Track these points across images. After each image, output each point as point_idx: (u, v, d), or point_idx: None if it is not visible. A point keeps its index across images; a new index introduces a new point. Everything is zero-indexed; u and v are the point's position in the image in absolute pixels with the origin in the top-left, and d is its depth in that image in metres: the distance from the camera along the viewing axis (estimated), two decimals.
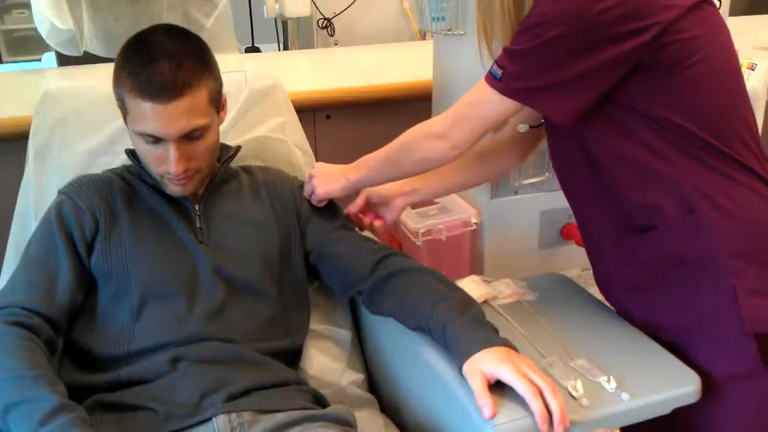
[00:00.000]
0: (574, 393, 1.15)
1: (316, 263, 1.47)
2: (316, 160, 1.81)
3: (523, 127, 1.43)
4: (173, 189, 1.35)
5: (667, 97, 1.15)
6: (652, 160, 1.17)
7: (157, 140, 1.27)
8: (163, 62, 1.24)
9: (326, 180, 1.46)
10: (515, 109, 1.23)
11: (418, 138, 1.34)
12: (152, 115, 1.24)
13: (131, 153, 1.40)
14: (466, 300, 1.28)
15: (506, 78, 1.18)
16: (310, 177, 1.49)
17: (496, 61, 1.20)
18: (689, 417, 1.27)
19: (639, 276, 1.27)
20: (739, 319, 1.15)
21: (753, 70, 1.95)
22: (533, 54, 1.15)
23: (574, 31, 1.11)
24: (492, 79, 1.20)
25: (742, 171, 1.18)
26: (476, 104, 1.25)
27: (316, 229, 1.47)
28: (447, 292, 1.30)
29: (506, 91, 1.19)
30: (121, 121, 1.59)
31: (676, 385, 1.18)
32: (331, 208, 1.51)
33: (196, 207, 1.40)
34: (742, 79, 1.23)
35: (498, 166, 1.54)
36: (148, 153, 1.30)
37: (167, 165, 1.29)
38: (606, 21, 1.10)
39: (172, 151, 1.28)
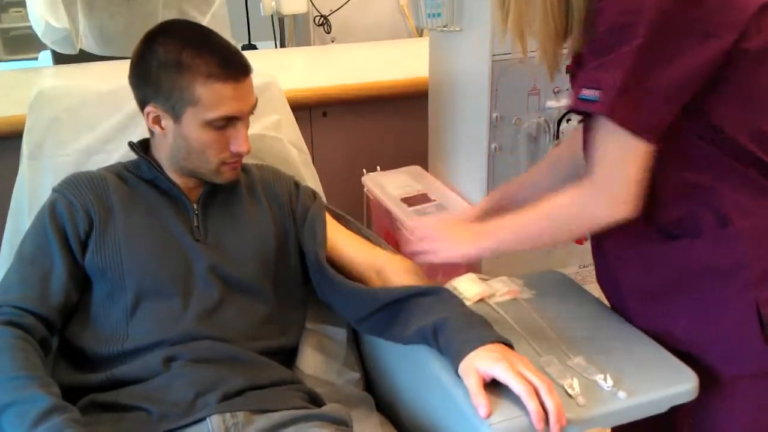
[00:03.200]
0: (570, 391, 1.14)
1: (312, 275, 1.44)
2: (313, 159, 1.80)
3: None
4: (229, 176, 1.38)
5: (726, 108, 1.10)
6: (693, 174, 1.14)
7: (227, 123, 1.31)
8: (225, 44, 1.32)
9: (452, 243, 1.31)
10: (651, 144, 1.10)
11: (576, 214, 1.18)
12: (232, 94, 1.29)
13: (137, 145, 1.41)
14: (459, 304, 1.27)
15: (606, 92, 1.05)
16: (429, 238, 1.34)
17: (582, 86, 1.08)
18: (692, 415, 1.27)
19: (657, 284, 1.24)
20: (761, 333, 1.14)
21: None
22: (631, 57, 1.03)
23: (673, 23, 1.02)
24: (594, 105, 1.07)
25: None
26: (620, 156, 1.10)
27: (309, 242, 1.44)
28: (441, 307, 1.26)
29: (609, 108, 1.06)
30: (115, 119, 1.60)
31: (674, 384, 1.18)
32: (323, 220, 1.47)
33: (195, 206, 1.39)
34: None
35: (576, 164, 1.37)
36: (213, 141, 1.32)
37: (236, 146, 1.33)
38: (706, 10, 1.02)
39: (243, 130, 1.34)
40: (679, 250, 1.19)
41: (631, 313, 1.31)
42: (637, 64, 1.04)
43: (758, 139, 1.13)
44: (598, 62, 1.07)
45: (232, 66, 1.30)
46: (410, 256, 1.38)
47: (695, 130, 1.12)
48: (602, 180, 1.13)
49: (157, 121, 1.33)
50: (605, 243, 1.32)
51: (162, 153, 1.38)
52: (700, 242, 1.17)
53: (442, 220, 1.37)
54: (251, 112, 1.36)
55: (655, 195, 1.18)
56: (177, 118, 1.31)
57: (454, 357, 1.15)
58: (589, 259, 1.55)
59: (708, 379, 1.21)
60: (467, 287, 1.42)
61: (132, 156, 1.43)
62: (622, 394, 1.14)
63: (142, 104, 1.35)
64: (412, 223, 1.36)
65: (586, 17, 1.13)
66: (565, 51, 1.20)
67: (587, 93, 1.07)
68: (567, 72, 1.22)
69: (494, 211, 1.43)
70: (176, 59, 1.28)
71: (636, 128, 1.08)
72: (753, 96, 1.12)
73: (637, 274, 1.27)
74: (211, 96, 1.28)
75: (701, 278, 1.18)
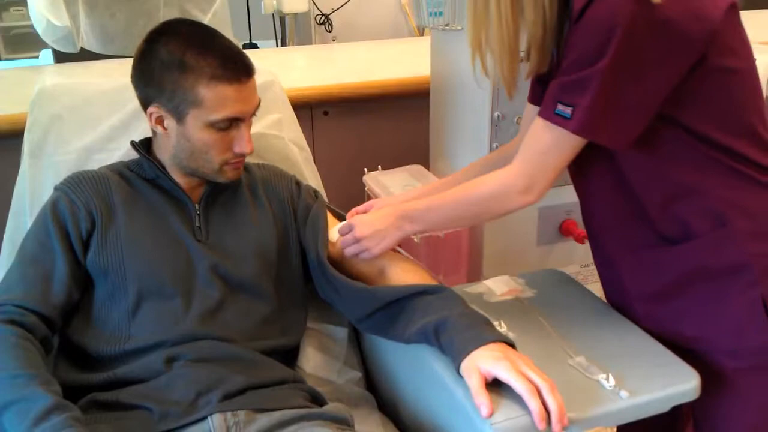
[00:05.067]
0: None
1: (314, 274, 1.44)
2: (314, 157, 1.80)
3: None
4: (231, 175, 1.38)
5: (703, 107, 1.13)
6: (683, 174, 1.16)
7: (230, 124, 1.31)
8: (228, 45, 1.32)
9: (378, 237, 1.36)
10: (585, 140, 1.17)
11: (497, 196, 1.26)
12: (235, 96, 1.29)
13: (139, 144, 1.41)
14: (461, 303, 1.27)
15: (579, 114, 1.11)
16: (358, 238, 1.38)
17: (559, 101, 1.13)
18: (696, 412, 1.28)
19: (662, 288, 1.25)
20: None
21: None
22: (603, 76, 1.07)
23: (642, 44, 1.05)
24: (563, 121, 1.13)
25: (766, 174, 1.17)
26: (552, 151, 1.18)
27: (310, 241, 1.45)
28: (440, 305, 1.26)
29: (580, 130, 1.12)
30: (116, 117, 1.60)
31: (676, 383, 1.18)
32: (324, 219, 1.47)
33: (197, 205, 1.39)
34: (758, 77, 1.20)
35: None
36: (216, 142, 1.32)
37: (240, 146, 1.34)
38: (677, 19, 1.05)
39: (246, 130, 1.34)
40: (680, 253, 1.20)
41: (639, 316, 1.31)
42: (606, 83, 1.07)
43: (742, 137, 1.15)
44: (575, 77, 1.10)
45: (236, 67, 1.30)
46: (350, 258, 1.41)
47: (672, 133, 1.14)
48: (530, 168, 1.20)
49: (159, 121, 1.33)
50: (607, 249, 1.32)
51: (164, 153, 1.38)
52: (697, 244, 1.18)
53: (362, 216, 1.42)
54: (254, 113, 1.36)
55: (649, 200, 1.19)
56: (180, 119, 1.31)
57: (455, 356, 1.15)
58: (590, 258, 1.55)
59: (714, 376, 1.21)
60: (497, 285, 1.45)
61: (134, 155, 1.43)
62: (624, 393, 1.13)
63: (144, 104, 1.35)
64: (336, 229, 1.42)
65: (543, 38, 1.17)
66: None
67: (561, 108, 1.13)
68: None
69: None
70: (179, 60, 1.28)
71: (607, 140, 1.13)
72: (726, 95, 1.13)
73: (641, 279, 1.27)
74: (215, 97, 1.28)
75: (705, 279, 1.19)
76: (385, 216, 1.37)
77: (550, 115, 1.15)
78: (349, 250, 1.39)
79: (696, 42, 1.08)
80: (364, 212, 1.48)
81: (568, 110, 1.12)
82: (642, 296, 1.29)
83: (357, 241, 1.38)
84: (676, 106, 1.12)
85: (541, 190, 1.22)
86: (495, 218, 1.30)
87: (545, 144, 1.18)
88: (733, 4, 1.12)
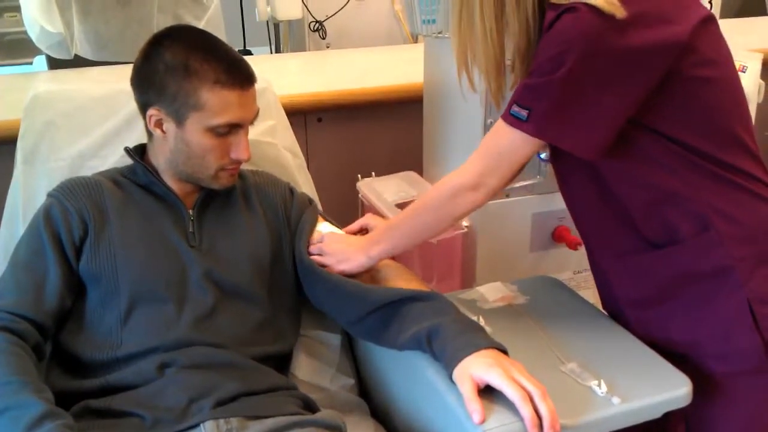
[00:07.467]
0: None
1: (302, 277, 1.45)
2: (307, 164, 1.80)
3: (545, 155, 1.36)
4: (226, 182, 1.39)
5: (681, 115, 1.14)
6: (664, 179, 1.17)
7: (229, 130, 1.32)
8: (232, 52, 1.34)
9: (343, 258, 1.39)
10: (544, 145, 1.19)
11: (450, 196, 1.27)
12: (237, 101, 1.31)
13: (133, 150, 1.41)
14: (453, 310, 1.27)
15: (535, 118, 1.13)
16: (323, 253, 1.41)
17: (516, 102, 1.15)
18: (688, 418, 1.28)
19: (649, 293, 1.26)
20: (756, 330, 1.17)
21: (744, 72, 1.96)
22: (560, 85, 1.09)
23: (601, 52, 1.08)
24: (518, 122, 1.15)
25: (751, 180, 1.18)
26: (505, 151, 1.20)
27: (297, 244, 1.46)
28: (433, 313, 1.26)
29: (536, 132, 1.14)
30: (110, 124, 1.60)
31: (668, 389, 1.18)
32: (312, 223, 1.49)
33: (190, 211, 1.39)
34: (741, 85, 1.22)
35: None
36: (214, 147, 1.33)
37: (237, 153, 1.34)
38: (642, 36, 1.07)
39: (244, 137, 1.35)
40: (664, 258, 1.21)
41: (629, 321, 1.32)
42: (563, 92, 1.09)
43: (723, 145, 1.16)
44: (535, 82, 1.12)
45: (239, 74, 1.32)
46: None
47: (652, 141, 1.15)
48: (481, 166, 1.22)
49: (159, 124, 1.33)
50: (596, 256, 1.33)
51: (160, 157, 1.38)
52: (682, 248, 1.19)
53: (337, 234, 1.46)
54: (253, 121, 1.37)
55: (633, 206, 1.20)
56: (180, 122, 1.31)
57: (448, 362, 1.15)
58: (582, 265, 1.57)
59: (705, 380, 1.22)
60: (490, 292, 1.45)
61: (127, 161, 1.43)
62: (616, 399, 1.14)
63: (143, 107, 1.35)
64: (313, 238, 1.46)
65: (527, 49, 1.19)
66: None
67: (517, 110, 1.14)
68: None
69: None
70: (183, 63, 1.29)
71: (570, 147, 1.14)
72: (704, 104, 1.15)
73: (628, 285, 1.29)
74: (217, 102, 1.29)
75: (691, 283, 1.20)
76: (357, 240, 1.41)
77: (506, 115, 1.17)
78: (315, 259, 1.42)
79: (662, 57, 1.10)
80: (359, 230, 1.51)
81: (523, 112, 1.13)
82: (630, 302, 1.30)
83: (321, 253, 1.41)
84: (654, 115, 1.13)
85: (490, 190, 1.23)
86: (454, 222, 1.32)
87: (502, 144, 1.20)
88: (709, 16, 1.14)
